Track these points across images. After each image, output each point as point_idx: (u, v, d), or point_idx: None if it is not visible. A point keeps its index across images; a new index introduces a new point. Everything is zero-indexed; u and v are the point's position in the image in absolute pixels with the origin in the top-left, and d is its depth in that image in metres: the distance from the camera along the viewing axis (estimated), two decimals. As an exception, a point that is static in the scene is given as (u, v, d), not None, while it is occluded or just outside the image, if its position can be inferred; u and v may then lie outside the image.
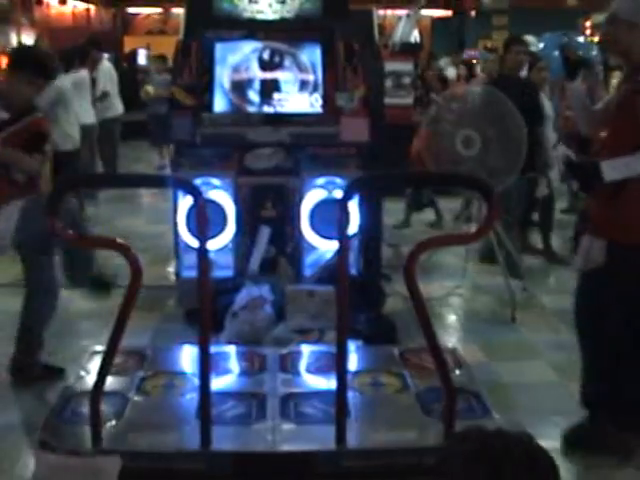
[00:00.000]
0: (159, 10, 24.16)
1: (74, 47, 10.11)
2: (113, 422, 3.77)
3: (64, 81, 8.94)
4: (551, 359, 5.27)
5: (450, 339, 5.48)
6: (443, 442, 3.53)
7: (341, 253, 3.53)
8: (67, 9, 19.77)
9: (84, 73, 9.76)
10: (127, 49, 17.83)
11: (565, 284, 6.99)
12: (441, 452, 1.66)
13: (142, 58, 17.10)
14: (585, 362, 4.12)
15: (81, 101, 9.53)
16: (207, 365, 3.53)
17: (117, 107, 11.07)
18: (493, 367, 5.15)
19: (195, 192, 3.50)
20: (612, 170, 3.77)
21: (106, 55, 12.47)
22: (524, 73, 7.52)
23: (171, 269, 6.41)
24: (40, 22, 17.47)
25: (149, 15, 24.80)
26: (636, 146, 3.73)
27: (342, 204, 3.55)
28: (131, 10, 24.73)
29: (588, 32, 16.20)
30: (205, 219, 3.49)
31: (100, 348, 4.34)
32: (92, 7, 21.69)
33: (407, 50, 11.62)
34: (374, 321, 5.33)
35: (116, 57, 13.20)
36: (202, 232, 3.47)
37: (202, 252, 3.44)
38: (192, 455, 3.61)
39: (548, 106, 7.37)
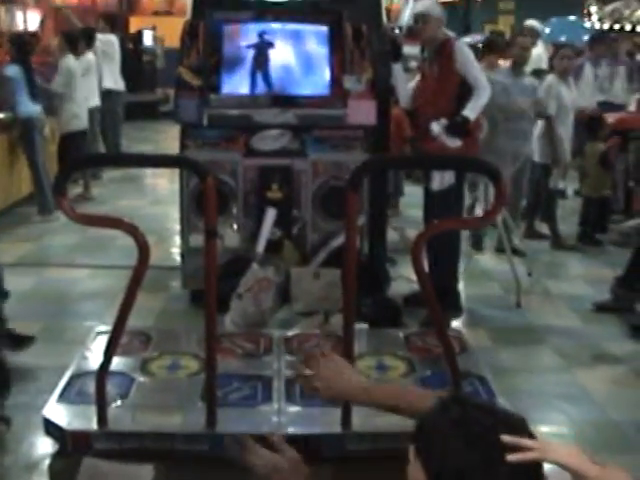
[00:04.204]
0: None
1: (81, 29, 10.06)
2: (118, 402, 3.77)
3: (74, 64, 8.92)
4: (556, 344, 5.27)
5: (456, 323, 5.47)
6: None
7: (348, 236, 3.51)
8: (72, -12, 19.64)
9: (91, 56, 9.72)
10: (133, 30, 17.68)
11: (570, 270, 7.00)
12: (427, 414, 1.61)
13: (148, 39, 17.01)
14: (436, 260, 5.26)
15: (89, 84, 9.51)
16: (212, 346, 3.52)
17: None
18: (498, 352, 5.15)
19: (203, 172, 3.48)
20: (471, 112, 5.37)
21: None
22: None
23: (176, 250, 6.40)
24: (45, 1, 17.38)
25: (156, -5, 24.65)
26: (459, 96, 5.37)
27: (349, 187, 3.53)
28: (137, -10, 24.59)
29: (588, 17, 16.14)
30: (213, 200, 3.46)
31: (105, 328, 4.34)
32: (98, -14, 21.56)
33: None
34: (379, 304, 5.32)
35: (121, 38, 13.09)
36: (209, 213, 3.45)
37: (209, 233, 3.42)
38: (197, 436, 3.60)
39: (567, 97, 7.32)
